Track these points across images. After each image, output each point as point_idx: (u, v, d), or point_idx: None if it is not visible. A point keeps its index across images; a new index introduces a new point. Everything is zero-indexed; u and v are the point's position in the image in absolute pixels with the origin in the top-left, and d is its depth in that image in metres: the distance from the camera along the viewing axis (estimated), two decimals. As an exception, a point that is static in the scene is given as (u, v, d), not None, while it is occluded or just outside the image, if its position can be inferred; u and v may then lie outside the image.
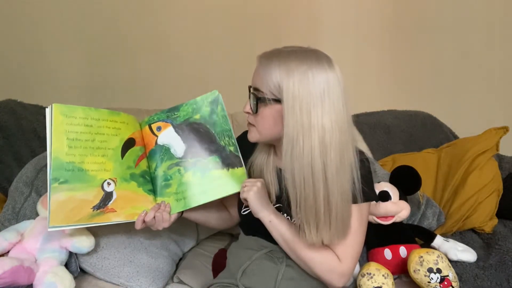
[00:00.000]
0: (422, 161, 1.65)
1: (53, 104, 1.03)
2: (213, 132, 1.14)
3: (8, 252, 1.12)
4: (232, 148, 1.13)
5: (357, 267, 1.24)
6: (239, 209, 1.11)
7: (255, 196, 0.99)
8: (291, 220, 1.00)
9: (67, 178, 1.00)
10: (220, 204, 1.23)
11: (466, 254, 1.32)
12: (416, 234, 1.39)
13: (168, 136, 1.15)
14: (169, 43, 2.13)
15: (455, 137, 1.86)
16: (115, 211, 1.04)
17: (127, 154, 1.11)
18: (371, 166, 1.28)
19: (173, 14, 2.10)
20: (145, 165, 1.14)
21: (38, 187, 1.29)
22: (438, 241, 1.35)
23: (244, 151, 1.11)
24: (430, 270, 1.12)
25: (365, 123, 1.84)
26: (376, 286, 1.12)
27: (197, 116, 1.16)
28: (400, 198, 1.37)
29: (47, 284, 1.03)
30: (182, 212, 1.11)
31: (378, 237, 1.34)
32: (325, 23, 2.15)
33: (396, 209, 1.35)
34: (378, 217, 1.36)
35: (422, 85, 2.23)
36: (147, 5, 2.08)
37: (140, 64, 2.13)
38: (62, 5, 2.06)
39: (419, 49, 2.20)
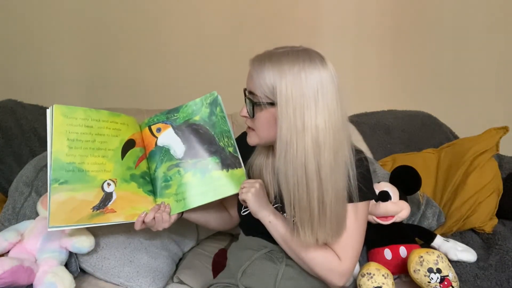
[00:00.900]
0: (422, 161, 1.65)
1: (53, 105, 1.04)
2: (213, 133, 1.14)
3: (8, 252, 1.13)
4: (231, 149, 1.13)
5: (357, 267, 1.24)
6: (239, 210, 1.11)
7: (253, 197, 0.99)
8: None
9: (67, 179, 1.00)
10: (220, 204, 1.23)
11: (466, 254, 1.32)
12: (416, 234, 1.39)
13: (168, 137, 1.15)
14: (169, 43, 2.13)
15: (455, 137, 1.86)
16: (115, 211, 1.05)
17: (127, 155, 1.11)
18: (371, 166, 1.28)
19: (173, 15, 2.10)
20: (145, 166, 1.14)
21: (38, 187, 1.29)
22: (438, 241, 1.35)
23: (244, 151, 1.12)
24: (430, 270, 1.12)
25: (365, 123, 1.83)
26: (376, 286, 1.12)
27: (196, 118, 1.16)
28: (400, 198, 1.37)
29: (47, 284, 1.03)
30: (182, 213, 1.11)
31: (378, 237, 1.34)
32: (325, 23, 2.15)
33: (396, 209, 1.35)
34: (378, 217, 1.36)
35: (422, 85, 2.23)
36: (147, 6, 2.08)
37: (140, 65, 2.14)
38: (62, 5, 2.06)
39: (419, 49, 2.20)
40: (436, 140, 1.82)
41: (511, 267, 1.26)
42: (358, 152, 0.98)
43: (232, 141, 1.14)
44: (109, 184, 1.06)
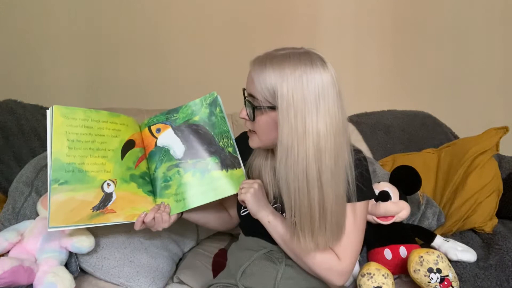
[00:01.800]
0: (422, 161, 1.65)
1: (53, 106, 1.04)
2: (212, 133, 1.14)
3: (8, 252, 1.13)
4: (230, 149, 1.13)
5: (357, 267, 1.25)
6: (238, 210, 1.11)
7: (252, 198, 0.99)
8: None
9: (67, 179, 1.01)
10: (220, 205, 1.23)
11: (466, 254, 1.32)
12: (416, 234, 1.39)
13: (168, 138, 1.15)
14: (169, 43, 2.13)
15: (455, 137, 1.86)
16: (115, 212, 1.05)
17: (127, 155, 1.12)
18: (371, 166, 1.28)
19: (173, 15, 2.10)
20: (145, 167, 1.14)
21: (38, 187, 1.29)
22: (438, 241, 1.35)
23: (243, 152, 1.12)
24: (430, 270, 1.12)
25: (365, 123, 1.83)
26: (376, 286, 1.12)
27: (196, 118, 1.16)
28: (400, 198, 1.37)
29: (47, 284, 1.03)
30: (182, 213, 1.12)
31: (378, 237, 1.34)
32: (325, 23, 2.15)
33: (396, 209, 1.35)
34: (378, 217, 1.36)
35: (422, 85, 2.23)
36: (147, 7, 2.08)
37: (140, 66, 2.14)
38: (63, 6, 2.06)
39: (419, 49, 2.20)
40: (436, 140, 1.82)
41: (511, 267, 1.26)
42: (357, 152, 0.98)
43: (231, 141, 1.14)
44: (109, 185, 1.06)
